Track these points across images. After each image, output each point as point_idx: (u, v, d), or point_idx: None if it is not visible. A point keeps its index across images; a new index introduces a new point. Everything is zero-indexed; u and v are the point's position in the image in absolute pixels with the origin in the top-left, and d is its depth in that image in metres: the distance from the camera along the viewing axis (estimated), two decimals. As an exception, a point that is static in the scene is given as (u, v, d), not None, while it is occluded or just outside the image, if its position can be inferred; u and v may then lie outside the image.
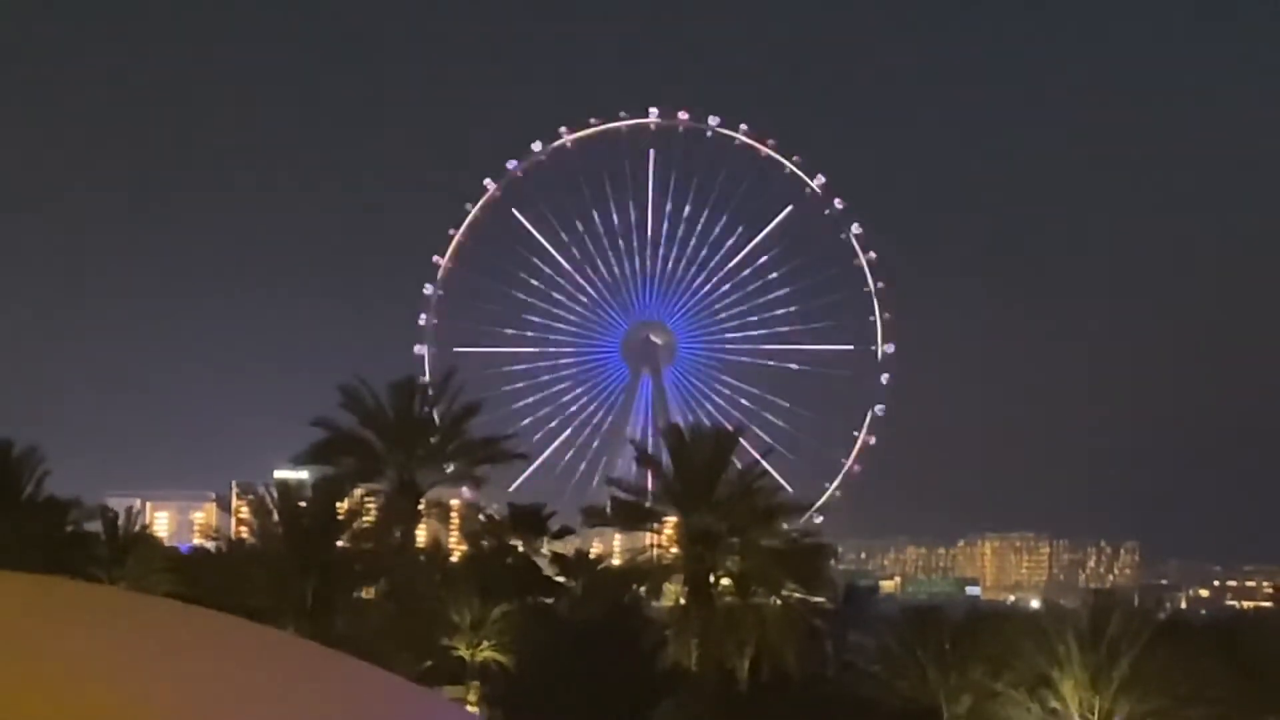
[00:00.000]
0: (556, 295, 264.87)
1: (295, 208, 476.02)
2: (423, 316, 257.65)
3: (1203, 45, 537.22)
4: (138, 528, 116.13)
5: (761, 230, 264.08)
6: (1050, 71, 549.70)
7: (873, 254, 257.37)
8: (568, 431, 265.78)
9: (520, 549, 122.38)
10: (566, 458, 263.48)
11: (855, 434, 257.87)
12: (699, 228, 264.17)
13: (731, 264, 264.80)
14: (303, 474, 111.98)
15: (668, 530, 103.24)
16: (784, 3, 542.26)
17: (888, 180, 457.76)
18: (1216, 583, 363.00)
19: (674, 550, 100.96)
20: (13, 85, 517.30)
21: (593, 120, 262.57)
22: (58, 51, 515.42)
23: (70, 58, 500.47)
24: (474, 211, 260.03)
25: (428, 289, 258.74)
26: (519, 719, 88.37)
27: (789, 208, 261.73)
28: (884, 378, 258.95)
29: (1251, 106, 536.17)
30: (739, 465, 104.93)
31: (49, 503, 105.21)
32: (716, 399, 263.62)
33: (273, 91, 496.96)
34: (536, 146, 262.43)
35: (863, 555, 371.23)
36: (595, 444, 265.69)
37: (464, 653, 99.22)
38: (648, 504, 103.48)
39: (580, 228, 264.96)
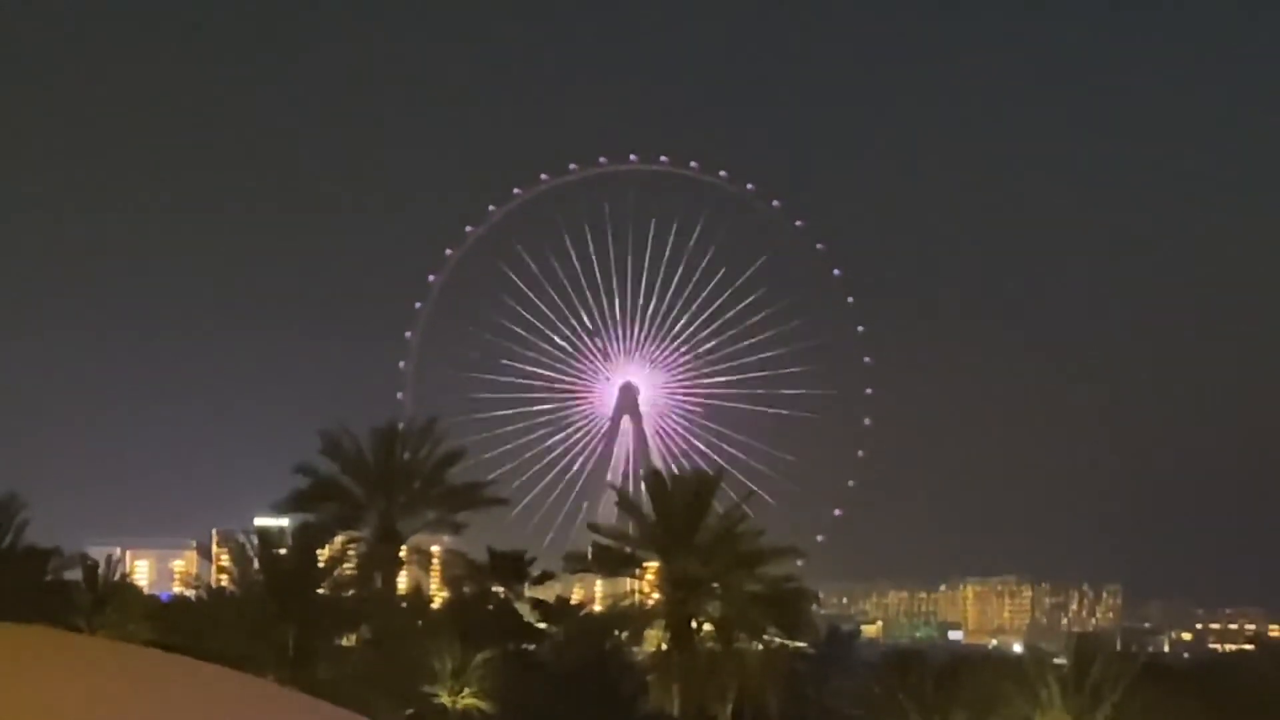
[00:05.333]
0: (537, 340, 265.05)
1: (276, 252, 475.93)
2: (403, 362, 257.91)
3: (1197, 72, 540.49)
4: (118, 576, 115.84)
5: (742, 275, 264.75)
6: (1035, 106, 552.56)
7: (850, 299, 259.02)
8: (549, 477, 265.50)
9: (502, 595, 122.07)
10: (548, 503, 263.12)
11: (836, 478, 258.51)
12: (679, 272, 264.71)
13: (712, 308, 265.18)
14: (284, 521, 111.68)
15: (649, 575, 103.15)
16: (760, 50, 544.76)
17: (865, 225, 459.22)
18: (1199, 625, 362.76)
19: (655, 595, 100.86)
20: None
21: (573, 166, 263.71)
22: (34, 92, 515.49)
23: (52, 98, 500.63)
24: (455, 257, 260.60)
25: (409, 335, 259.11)
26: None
27: (769, 252, 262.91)
28: (865, 421, 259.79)
29: (1247, 146, 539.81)
30: (720, 510, 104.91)
31: (29, 551, 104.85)
32: (698, 443, 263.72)
33: (254, 134, 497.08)
34: (517, 192, 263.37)
35: (844, 600, 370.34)
36: (576, 489, 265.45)
37: (445, 700, 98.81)
38: (629, 549, 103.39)
39: (561, 273, 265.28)
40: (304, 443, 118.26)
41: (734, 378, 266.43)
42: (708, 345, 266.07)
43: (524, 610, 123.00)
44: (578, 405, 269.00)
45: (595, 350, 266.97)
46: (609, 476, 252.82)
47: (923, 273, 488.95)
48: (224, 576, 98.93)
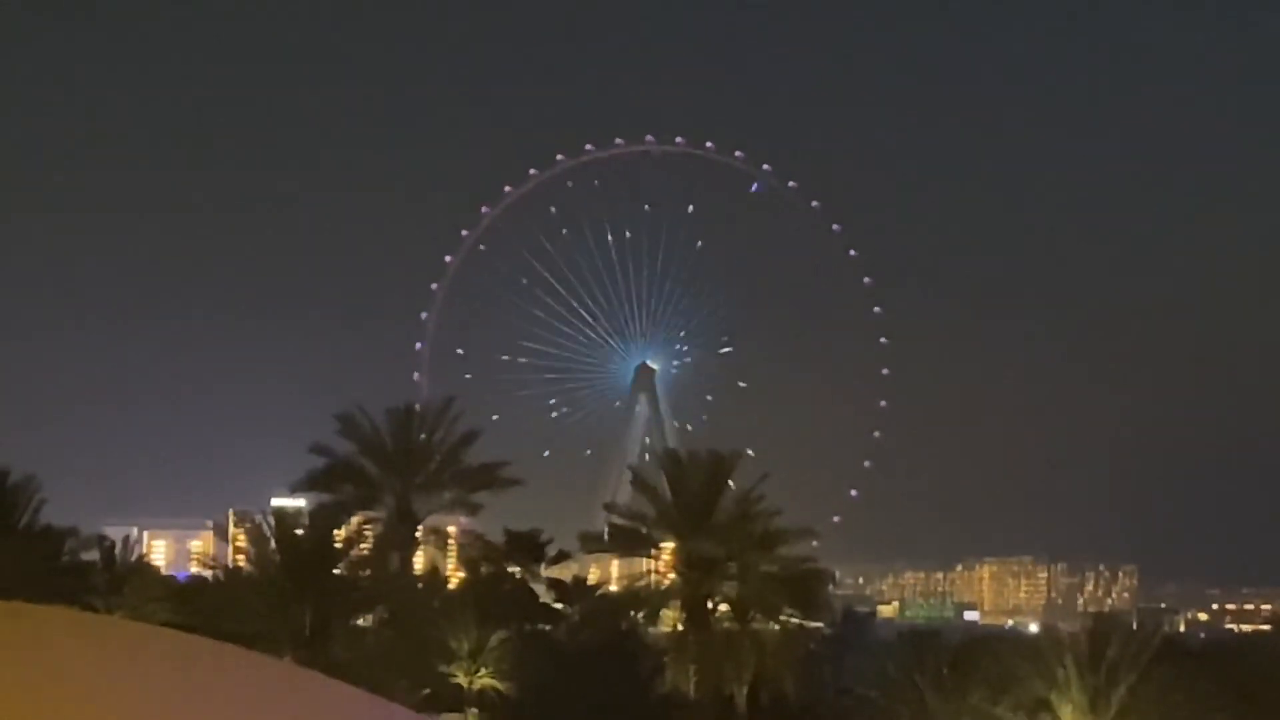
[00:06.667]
0: (553, 320, 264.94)
1: (292, 233, 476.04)
2: (419, 343, 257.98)
3: (1203, 65, 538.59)
4: (135, 557, 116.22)
5: (757, 255, 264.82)
6: (1053, 94, 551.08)
7: (866, 279, 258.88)
8: (565, 457, 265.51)
9: (518, 575, 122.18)
10: (564, 483, 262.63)
11: (852, 458, 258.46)
12: (695, 252, 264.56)
13: (729, 289, 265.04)
14: (300, 502, 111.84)
15: (665, 556, 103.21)
16: (777, 32, 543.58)
17: (882, 205, 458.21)
18: (1215, 605, 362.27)
19: (672, 576, 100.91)
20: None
21: (589, 147, 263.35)
22: (46, 71, 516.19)
23: (64, 80, 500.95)
24: (470, 239, 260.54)
25: (424, 316, 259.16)
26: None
27: (784, 232, 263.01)
28: (881, 402, 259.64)
29: (1252, 130, 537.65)
30: (736, 490, 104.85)
31: (46, 531, 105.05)
32: (714, 423, 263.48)
33: (271, 115, 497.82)
34: (533, 173, 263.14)
35: (860, 580, 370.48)
36: (593, 469, 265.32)
37: (462, 680, 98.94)
38: (645, 530, 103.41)
39: (577, 253, 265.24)
40: (320, 424, 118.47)
41: (750, 357, 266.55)
42: (723, 325, 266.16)
43: (540, 590, 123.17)
44: (594, 385, 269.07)
45: (611, 330, 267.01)
46: (625, 457, 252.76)
47: (939, 253, 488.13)
48: (241, 557, 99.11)
